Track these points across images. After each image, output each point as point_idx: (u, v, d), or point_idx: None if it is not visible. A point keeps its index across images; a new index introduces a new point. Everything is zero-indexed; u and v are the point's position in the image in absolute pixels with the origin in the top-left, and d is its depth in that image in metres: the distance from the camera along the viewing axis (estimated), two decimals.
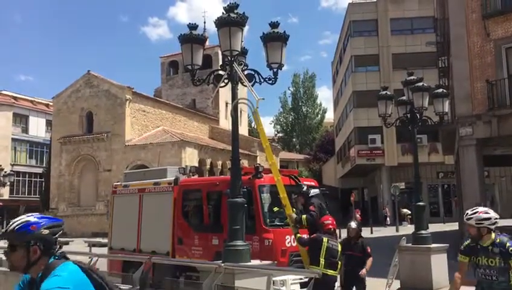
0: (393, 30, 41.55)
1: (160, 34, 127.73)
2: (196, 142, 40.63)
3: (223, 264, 6.83)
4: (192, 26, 7.82)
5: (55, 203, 41.75)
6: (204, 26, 50.74)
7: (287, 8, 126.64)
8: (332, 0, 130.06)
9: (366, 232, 29.01)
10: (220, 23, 7.41)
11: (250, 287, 6.46)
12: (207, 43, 39.19)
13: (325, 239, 7.14)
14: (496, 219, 4.63)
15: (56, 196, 41.74)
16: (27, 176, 54.53)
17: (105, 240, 17.87)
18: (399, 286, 10.58)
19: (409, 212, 33.56)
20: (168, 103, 47.39)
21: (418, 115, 11.44)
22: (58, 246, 2.56)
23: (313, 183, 10.31)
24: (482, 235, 4.50)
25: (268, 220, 9.17)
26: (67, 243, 27.59)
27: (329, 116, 70.95)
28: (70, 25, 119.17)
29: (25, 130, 54.97)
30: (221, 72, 7.88)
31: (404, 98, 11.83)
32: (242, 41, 7.60)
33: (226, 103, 48.77)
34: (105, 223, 25.65)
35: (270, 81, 7.91)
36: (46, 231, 2.49)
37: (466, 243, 4.74)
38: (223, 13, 7.44)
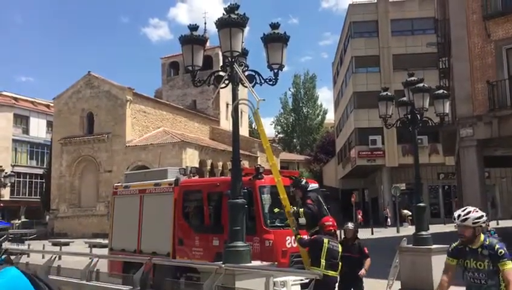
0: (394, 31, 41.57)
1: (160, 35, 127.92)
2: (197, 143, 40.64)
3: (223, 265, 6.83)
4: (193, 27, 7.83)
5: (55, 204, 41.77)
6: (205, 27, 50.76)
7: (287, 9, 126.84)
8: (333, 1, 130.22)
9: (367, 233, 29.17)
10: (220, 24, 7.41)
11: (250, 288, 6.46)
12: (207, 44, 39.22)
13: (325, 240, 7.13)
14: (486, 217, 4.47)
15: (57, 197, 41.75)
16: (28, 177, 54.56)
17: (105, 241, 17.89)
18: (400, 287, 10.58)
19: (410, 213, 33.55)
20: (169, 103, 47.41)
21: (418, 116, 11.44)
22: (2, 251, 2.39)
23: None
24: (476, 235, 4.28)
25: (268, 221, 9.16)
26: (67, 244, 27.62)
27: (330, 117, 71.07)
28: (70, 26, 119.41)
29: (26, 131, 55.02)
30: (221, 73, 7.89)
31: (404, 99, 11.83)
32: (242, 42, 7.60)
33: (227, 104, 48.78)
34: (105, 224, 25.68)
35: (271, 82, 7.91)
36: None
37: (454, 244, 4.54)
38: (223, 14, 7.45)
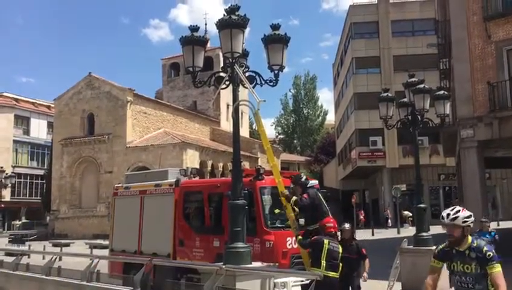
0: (394, 32, 41.58)
1: (161, 36, 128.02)
2: (197, 144, 40.65)
3: (224, 266, 6.82)
4: (194, 28, 7.84)
5: (56, 205, 41.79)
6: (206, 28, 50.81)
7: (288, 10, 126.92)
8: (333, 2, 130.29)
9: (367, 234, 29.19)
10: (221, 25, 7.42)
11: (251, 289, 6.46)
12: (208, 45, 39.20)
13: (326, 241, 7.14)
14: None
15: (57, 197, 41.77)
16: (28, 177, 54.59)
17: (106, 242, 17.90)
18: (400, 288, 10.58)
19: (410, 214, 33.56)
20: (169, 104, 47.44)
21: (419, 117, 11.45)
22: None
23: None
24: (465, 236, 4.09)
25: (269, 222, 9.16)
26: (68, 245, 27.63)
27: (331, 118, 71.11)
28: (71, 26, 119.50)
29: (27, 132, 55.07)
30: (222, 74, 7.89)
31: (405, 100, 11.84)
32: (243, 43, 7.60)
33: (227, 105, 48.82)
34: (106, 225, 25.67)
35: (271, 83, 7.91)
36: None
37: (440, 246, 4.34)
38: (224, 15, 7.45)
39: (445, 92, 12.30)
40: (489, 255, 3.99)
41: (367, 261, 8.12)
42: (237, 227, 7.20)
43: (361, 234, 27.00)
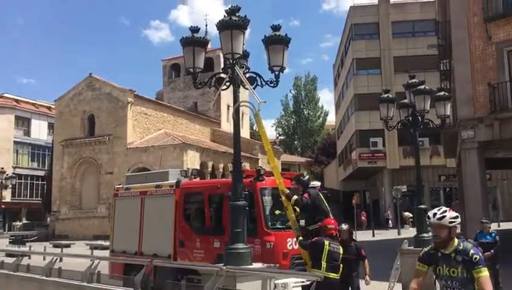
0: (395, 33, 41.60)
1: (162, 37, 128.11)
2: (198, 145, 40.66)
3: (224, 267, 6.82)
4: (194, 29, 7.84)
5: (57, 206, 41.80)
6: (206, 29, 50.85)
7: (288, 11, 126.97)
8: (334, 3, 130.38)
9: (368, 235, 29.18)
10: (221, 26, 7.42)
11: None
12: (209, 46, 39.18)
13: (326, 242, 7.13)
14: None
15: (58, 198, 41.78)
16: (29, 178, 54.62)
17: (106, 243, 17.89)
18: (401, 289, 10.56)
19: (411, 215, 33.54)
20: (170, 105, 47.46)
21: (419, 118, 11.45)
22: None
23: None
24: (451, 237, 3.92)
25: (269, 223, 9.16)
26: (68, 246, 27.65)
27: (331, 119, 71.11)
28: (72, 27, 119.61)
29: (27, 133, 55.11)
30: (222, 75, 7.90)
31: (405, 101, 11.84)
32: (244, 44, 7.61)
33: (228, 106, 48.84)
34: (106, 226, 25.65)
35: (272, 84, 7.92)
36: None
37: (425, 249, 4.19)
38: (224, 16, 7.46)
39: (446, 93, 12.30)
40: (475, 258, 3.82)
41: (366, 262, 8.11)
42: (238, 228, 7.20)
43: (362, 235, 27.00)
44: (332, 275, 7.01)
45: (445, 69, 23.96)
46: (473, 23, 16.77)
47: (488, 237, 10.59)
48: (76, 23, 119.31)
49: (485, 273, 3.79)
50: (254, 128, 57.68)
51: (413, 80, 11.76)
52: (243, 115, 47.92)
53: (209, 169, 40.83)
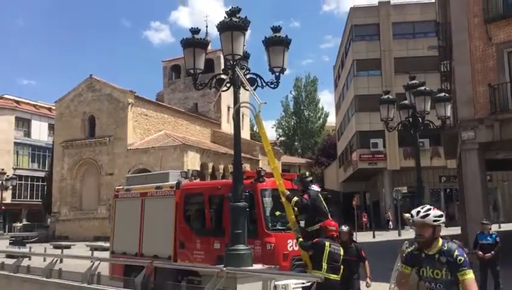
0: (395, 34, 41.61)
1: (162, 38, 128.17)
2: (198, 146, 40.66)
3: (225, 269, 6.82)
4: (195, 31, 7.86)
5: (57, 207, 41.79)
6: (207, 30, 50.78)
7: (288, 12, 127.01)
8: (334, 5, 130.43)
9: (368, 236, 29.16)
10: (222, 27, 7.44)
11: None
12: (209, 47, 39.20)
13: (327, 243, 7.12)
14: None
15: (58, 199, 41.77)
16: (29, 179, 54.64)
17: (107, 244, 17.87)
18: None
19: None
20: (170, 107, 47.46)
21: (420, 119, 11.47)
22: None
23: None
24: (436, 237, 3.73)
25: (270, 224, 9.16)
26: (69, 247, 27.63)
27: (331, 120, 71.09)
28: (72, 29, 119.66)
29: (27, 134, 55.12)
30: (223, 76, 7.92)
31: (406, 102, 11.87)
32: (244, 45, 7.62)
33: (228, 107, 48.83)
34: (107, 227, 25.64)
35: (272, 85, 7.93)
36: None
37: (409, 250, 4.00)
38: (225, 17, 7.47)
39: (446, 94, 12.33)
40: (460, 259, 3.61)
41: (367, 263, 8.08)
42: (238, 229, 7.20)
43: (362, 236, 26.98)
44: (332, 276, 7.00)
45: (446, 70, 23.97)
46: (473, 24, 16.78)
47: (488, 238, 10.58)
48: (77, 25, 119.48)
49: (470, 275, 3.59)
50: (254, 130, 57.71)
51: (414, 81, 11.79)
52: (243, 116, 47.99)
53: (210, 170, 40.82)
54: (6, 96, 55.00)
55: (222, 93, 8.33)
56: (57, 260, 10.44)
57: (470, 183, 16.61)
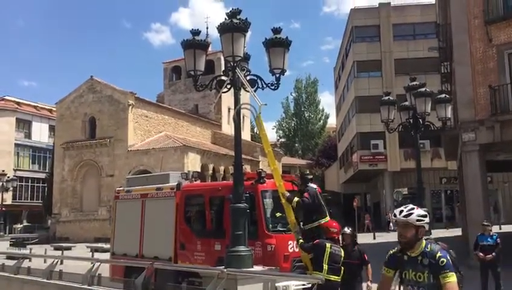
0: (396, 36, 41.59)
1: (162, 39, 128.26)
2: (198, 148, 40.66)
3: (225, 270, 6.82)
4: (195, 32, 7.87)
5: (57, 208, 41.79)
6: (207, 31, 50.75)
7: (289, 14, 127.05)
8: (335, 6, 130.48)
9: (369, 238, 29.12)
10: (222, 28, 7.45)
11: None
12: (209, 48, 39.22)
13: (328, 245, 7.10)
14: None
15: (59, 201, 41.77)
16: (30, 181, 54.65)
17: (107, 246, 17.87)
18: None
19: None
20: (171, 108, 47.49)
21: (420, 120, 11.48)
22: None
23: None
24: (419, 238, 3.54)
25: (270, 225, 9.16)
26: (69, 248, 27.61)
27: (332, 122, 71.06)
28: (73, 30, 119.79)
29: (28, 135, 55.17)
30: (223, 78, 7.93)
31: (406, 103, 11.87)
32: (244, 46, 7.63)
33: (229, 108, 48.83)
34: (107, 229, 25.65)
35: (273, 87, 7.94)
36: None
37: (391, 252, 3.77)
38: (225, 19, 7.48)
39: (447, 96, 12.34)
40: (442, 261, 3.43)
41: (369, 267, 7.98)
42: (239, 231, 7.20)
43: (363, 238, 26.95)
44: (333, 277, 6.99)
45: (446, 71, 23.97)
46: (474, 25, 16.78)
47: (489, 239, 10.59)
48: (77, 25, 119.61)
49: (452, 278, 3.39)
50: (255, 131, 57.68)
51: (414, 83, 11.80)
52: (243, 117, 48.02)
53: (210, 171, 40.81)
54: (7, 97, 55.05)
55: (223, 94, 8.34)
56: (57, 262, 10.45)
57: (471, 184, 16.60)
